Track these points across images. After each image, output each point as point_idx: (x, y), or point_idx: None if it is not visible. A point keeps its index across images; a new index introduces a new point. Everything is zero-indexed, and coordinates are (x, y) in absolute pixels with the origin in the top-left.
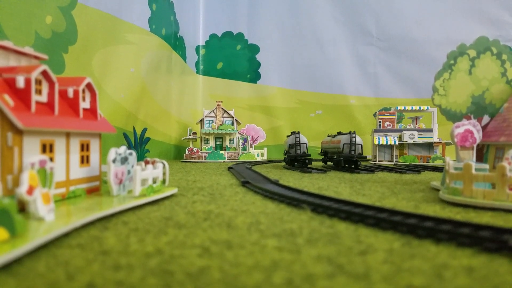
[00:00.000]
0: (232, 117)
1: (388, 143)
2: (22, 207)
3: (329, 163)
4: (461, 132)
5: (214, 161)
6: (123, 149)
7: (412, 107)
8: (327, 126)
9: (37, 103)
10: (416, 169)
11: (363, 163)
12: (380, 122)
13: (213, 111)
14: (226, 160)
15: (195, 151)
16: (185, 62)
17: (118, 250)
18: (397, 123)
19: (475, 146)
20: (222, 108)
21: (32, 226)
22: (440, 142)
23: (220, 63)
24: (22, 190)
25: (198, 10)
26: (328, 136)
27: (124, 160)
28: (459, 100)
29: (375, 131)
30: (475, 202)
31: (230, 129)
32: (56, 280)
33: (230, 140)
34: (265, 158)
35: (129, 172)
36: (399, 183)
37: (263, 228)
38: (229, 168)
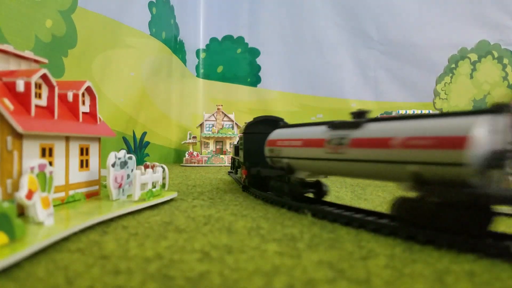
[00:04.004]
0: (233, 121)
1: None
2: (22, 211)
3: None
4: None
5: (214, 165)
6: (122, 153)
7: (413, 111)
8: None
9: (37, 107)
10: None
11: None
12: None
13: (213, 114)
14: (226, 164)
15: (195, 155)
16: (185, 65)
17: (118, 255)
18: None
19: None
20: (222, 111)
21: (31, 230)
22: None
23: (220, 66)
24: (22, 194)
25: (199, 14)
26: None
27: (124, 164)
28: (460, 104)
29: None
30: None
31: (231, 132)
32: (55, 284)
33: (230, 144)
34: None
35: (128, 176)
36: (401, 187)
37: (263, 232)
38: (229, 173)
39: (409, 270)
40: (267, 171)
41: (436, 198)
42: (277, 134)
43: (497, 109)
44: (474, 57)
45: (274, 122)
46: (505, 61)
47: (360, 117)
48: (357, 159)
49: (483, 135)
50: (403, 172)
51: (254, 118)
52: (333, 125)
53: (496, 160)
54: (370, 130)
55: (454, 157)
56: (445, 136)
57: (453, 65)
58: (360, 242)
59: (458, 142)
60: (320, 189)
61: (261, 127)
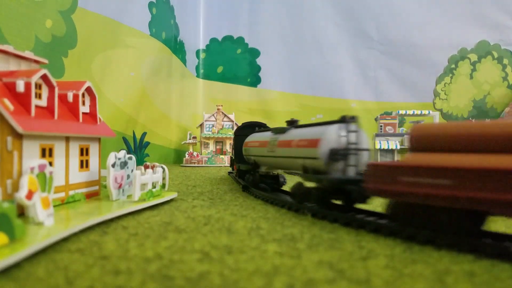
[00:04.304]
0: (233, 121)
1: (390, 148)
2: (22, 212)
3: None
4: None
5: (214, 166)
6: (122, 154)
7: (413, 111)
8: None
9: (37, 107)
10: None
11: None
12: (381, 126)
13: (213, 115)
14: (226, 164)
15: (195, 155)
16: (185, 66)
17: (118, 255)
18: (399, 127)
19: None
20: (222, 112)
21: (31, 230)
22: None
23: (220, 67)
24: (22, 194)
25: (199, 14)
26: None
27: (124, 164)
28: (460, 104)
29: (377, 135)
30: None
31: (231, 133)
32: (55, 285)
33: (230, 144)
34: None
35: (128, 176)
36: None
37: (263, 233)
38: (230, 173)
39: (409, 270)
40: (243, 166)
41: (310, 181)
42: (250, 137)
43: (343, 119)
44: (474, 57)
45: (255, 127)
46: (505, 61)
47: (291, 125)
48: (280, 156)
49: (329, 138)
50: (297, 164)
51: (242, 123)
52: (274, 130)
53: (336, 155)
54: (288, 134)
55: (314, 153)
56: (312, 139)
57: (453, 65)
58: (360, 242)
59: (315, 142)
60: (277, 181)
61: (246, 131)
